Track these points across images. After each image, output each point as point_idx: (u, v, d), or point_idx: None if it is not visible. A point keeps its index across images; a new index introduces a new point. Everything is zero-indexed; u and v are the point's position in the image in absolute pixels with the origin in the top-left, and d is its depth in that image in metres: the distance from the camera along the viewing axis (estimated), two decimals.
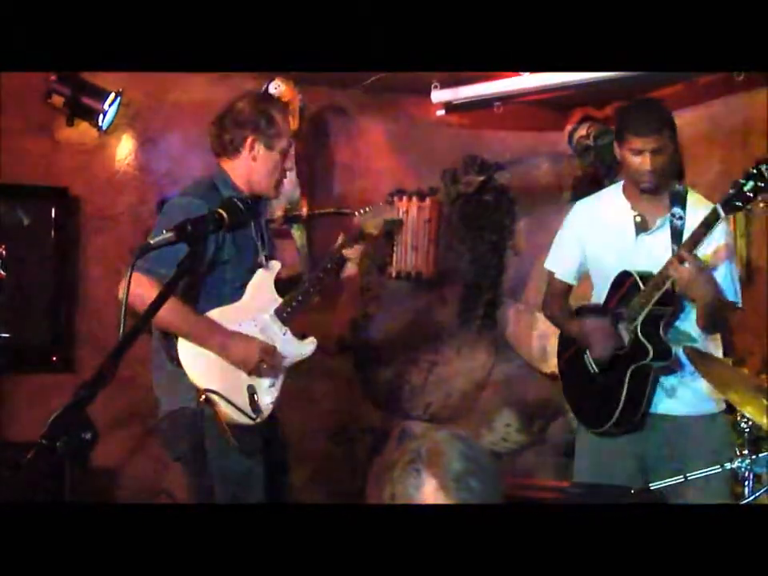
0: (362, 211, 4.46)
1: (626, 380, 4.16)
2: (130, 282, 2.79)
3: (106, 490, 5.59)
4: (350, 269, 4.39)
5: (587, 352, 4.29)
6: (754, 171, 3.81)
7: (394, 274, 6.47)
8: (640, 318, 4.11)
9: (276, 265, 4.24)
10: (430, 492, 2.16)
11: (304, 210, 6.06)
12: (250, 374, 4.03)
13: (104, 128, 5.80)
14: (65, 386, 5.35)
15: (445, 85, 6.08)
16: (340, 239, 4.37)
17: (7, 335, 5.66)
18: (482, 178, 6.56)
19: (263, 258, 4.19)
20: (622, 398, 4.16)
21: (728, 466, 3.80)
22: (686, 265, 3.96)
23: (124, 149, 6.02)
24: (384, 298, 6.50)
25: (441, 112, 6.24)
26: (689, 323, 4.21)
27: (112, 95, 5.70)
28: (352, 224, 4.48)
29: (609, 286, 4.27)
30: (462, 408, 6.53)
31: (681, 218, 4.18)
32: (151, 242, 2.69)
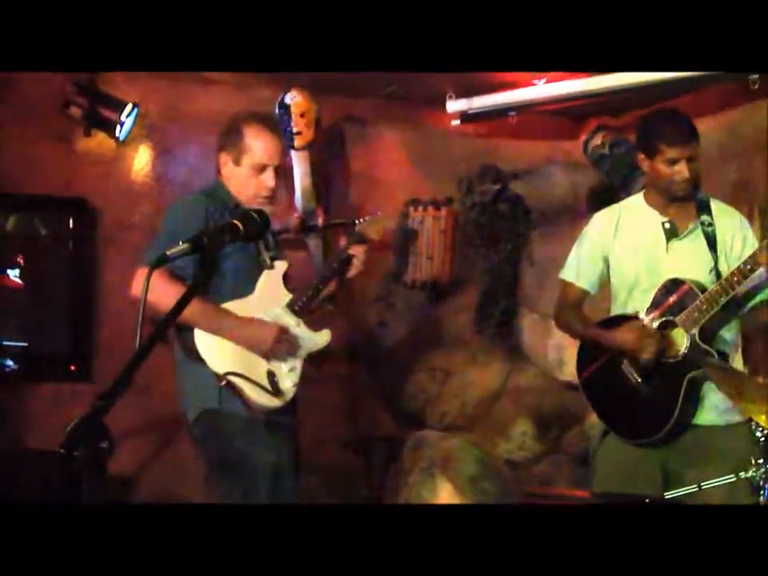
0: (361, 220, 4.54)
1: (683, 389, 4.13)
2: (147, 291, 2.81)
3: (123, 498, 5.61)
4: (355, 266, 4.44)
5: (624, 362, 4.24)
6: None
7: (409, 283, 6.48)
8: (699, 325, 4.11)
9: (283, 264, 4.29)
10: (445, 496, 2.17)
11: (320, 221, 6.09)
12: (265, 357, 4.08)
13: (121, 139, 5.84)
14: (82, 394, 5.40)
15: (460, 94, 6.09)
16: (344, 241, 4.45)
17: (25, 344, 5.70)
18: (497, 188, 6.57)
19: (267, 260, 4.24)
20: (678, 408, 4.13)
21: (743, 475, 3.80)
22: None
23: (141, 159, 6.05)
24: (399, 307, 6.51)
25: (456, 122, 6.25)
26: (726, 328, 4.24)
27: (129, 106, 5.73)
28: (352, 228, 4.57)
29: (635, 293, 4.29)
30: (477, 417, 6.53)
31: (710, 224, 4.21)
32: (167, 253, 2.71)
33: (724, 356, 4.18)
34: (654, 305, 4.22)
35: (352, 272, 4.47)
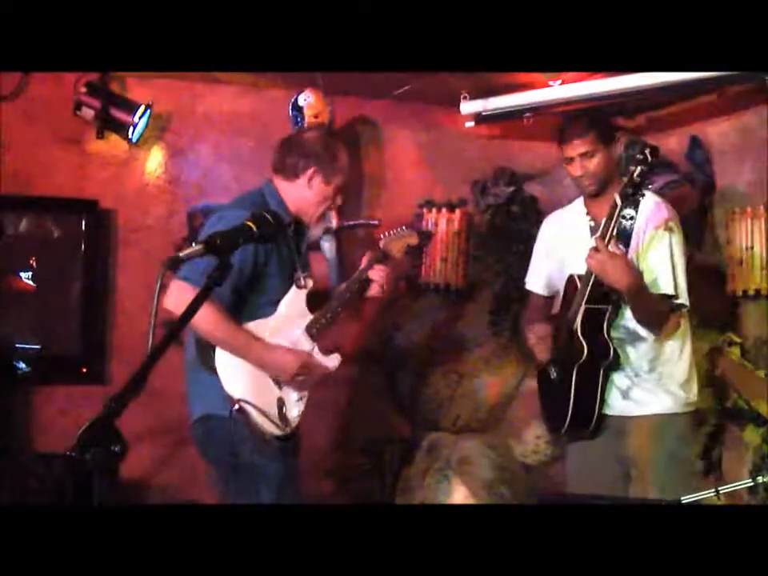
0: (385, 235, 4.56)
1: (572, 381, 4.24)
2: (159, 294, 2.80)
3: (135, 501, 5.60)
4: (375, 289, 4.46)
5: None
6: (639, 157, 3.92)
7: (423, 286, 6.46)
8: (578, 318, 4.20)
9: (309, 283, 4.32)
10: (459, 500, 2.15)
11: (334, 222, 6.06)
12: (285, 383, 4.10)
13: (134, 140, 5.82)
14: (95, 397, 5.37)
15: (474, 96, 6.06)
16: (365, 262, 4.46)
17: (38, 347, 5.69)
18: (511, 189, 6.54)
19: (301, 276, 4.27)
20: (571, 399, 4.25)
21: (760, 479, 3.78)
22: (599, 252, 4.02)
23: (154, 161, 6.03)
24: (413, 310, 6.49)
25: (470, 123, 6.21)
26: (634, 321, 4.25)
27: (142, 108, 5.72)
28: (376, 244, 4.60)
29: None
30: (491, 420, 6.51)
31: (631, 218, 4.21)
32: (180, 254, 2.70)
33: (603, 348, 4.23)
34: (561, 303, 4.45)
35: (372, 293, 4.48)
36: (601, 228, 4.12)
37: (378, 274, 4.46)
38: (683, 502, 3.84)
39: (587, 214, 4.45)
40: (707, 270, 5.73)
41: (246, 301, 4.11)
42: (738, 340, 5.56)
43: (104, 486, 2.22)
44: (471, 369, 6.53)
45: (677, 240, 4.28)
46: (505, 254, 6.54)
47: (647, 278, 4.23)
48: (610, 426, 4.32)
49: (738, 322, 5.71)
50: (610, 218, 4.06)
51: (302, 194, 4.26)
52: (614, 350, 4.25)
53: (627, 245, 4.22)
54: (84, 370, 5.79)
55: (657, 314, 4.28)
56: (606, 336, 4.23)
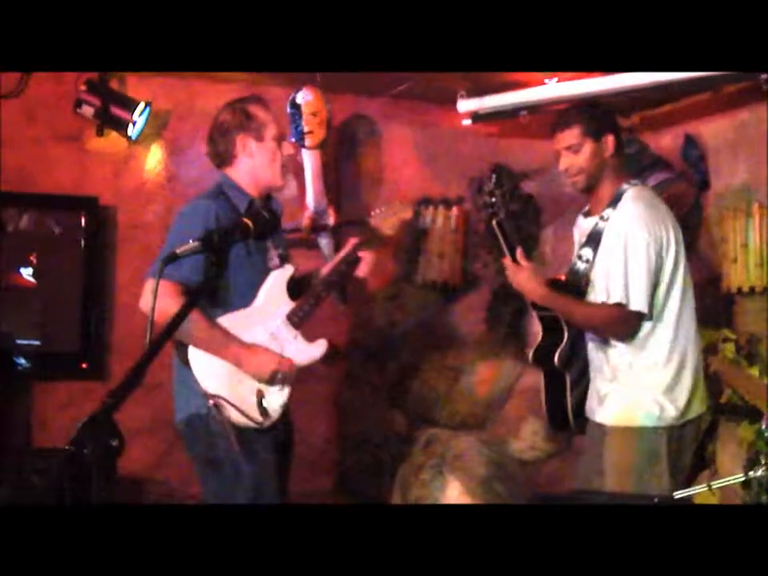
0: (377, 211, 4.49)
1: (542, 379, 4.33)
2: (157, 291, 2.82)
3: (134, 496, 5.63)
4: (364, 269, 4.38)
5: None
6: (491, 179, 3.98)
7: (420, 282, 6.48)
8: (539, 323, 4.30)
9: (290, 268, 4.24)
10: (454, 496, 2.16)
11: (331, 220, 6.08)
12: (262, 383, 4.04)
13: (134, 138, 5.84)
14: (94, 393, 5.40)
15: (471, 94, 6.08)
16: (355, 240, 4.39)
17: (38, 342, 5.71)
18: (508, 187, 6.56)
19: (277, 260, 4.21)
20: (543, 400, 4.33)
21: (752, 474, 3.79)
22: (509, 266, 4.21)
23: (153, 158, 6.06)
24: (410, 306, 6.51)
25: (467, 121, 6.24)
26: None
27: (141, 105, 5.74)
28: (366, 221, 4.53)
29: None
30: (488, 415, 6.53)
31: (608, 218, 4.16)
32: (177, 251, 2.71)
33: (552, 352, 4.27)
34: None
35: (360, 273, 4.41)
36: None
37: (368, 254, 4.38)
38: (676, 496, 3.87)
39: (586, 211, 4.41)
40: (702, 268, 5.75)
41: (217, 290, 4.03)
42: (733, 337, 5.57)
43: (102, 481, 2.23)
44: (468, 365, 6.55)
45: (636, 245, 4.07)
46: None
47: (603, 284, 4.16)
48: (594, 431, 4.26)
49: (732, 319, 5.73)
50: (500, 231, 4.10)
51: (249, 166, 4.19)
52: (561, 355, 4.21)
53: (594, 244, 4.19)
54: (84, 366, 5.81)
55: (599, 321, 4.19)
56: (560, 340, 4.20)
